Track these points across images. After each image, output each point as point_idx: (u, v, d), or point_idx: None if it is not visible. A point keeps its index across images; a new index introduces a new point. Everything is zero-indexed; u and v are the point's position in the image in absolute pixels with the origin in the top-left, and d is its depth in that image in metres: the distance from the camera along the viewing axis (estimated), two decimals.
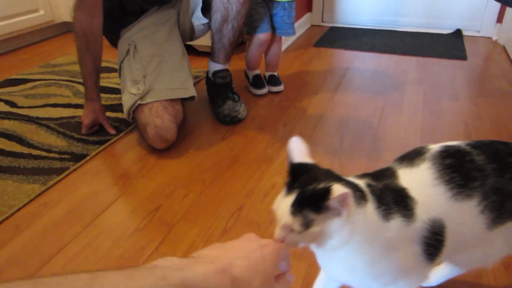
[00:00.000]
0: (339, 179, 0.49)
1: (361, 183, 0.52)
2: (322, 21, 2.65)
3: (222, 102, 1.45)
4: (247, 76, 1.68)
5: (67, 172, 1.16)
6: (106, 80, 1.80)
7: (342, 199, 0.43)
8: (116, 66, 1.38)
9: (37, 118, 1.50)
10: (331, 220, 0.45)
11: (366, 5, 2.52)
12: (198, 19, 1.34)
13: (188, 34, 1.43)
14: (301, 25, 2.47)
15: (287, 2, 1.47)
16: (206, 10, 1.33)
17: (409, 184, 0.52)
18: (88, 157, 1.24)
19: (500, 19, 2.26)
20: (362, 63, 2.00)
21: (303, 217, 0.45)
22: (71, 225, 0.97)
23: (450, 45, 2.20)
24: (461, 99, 1.57)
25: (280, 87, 1.66)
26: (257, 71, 1.65)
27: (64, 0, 2.54)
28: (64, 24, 2.67)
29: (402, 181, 0.53)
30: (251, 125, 1.43)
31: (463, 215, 0.52)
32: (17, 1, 2.33)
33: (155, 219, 0.98)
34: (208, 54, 1.47)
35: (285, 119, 1.46)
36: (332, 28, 2.55)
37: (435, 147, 0.56)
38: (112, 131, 1.37)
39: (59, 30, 2.70)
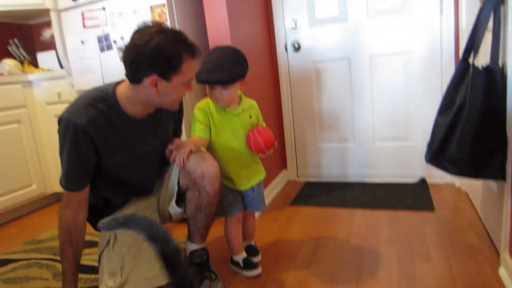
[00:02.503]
0: None
1: None
2: (297, 176, 2.85)
3: (200, 281, 1.47)
4: (235, 262, 1.64)
5: None
6: (87, 257, 1.83)
7: None
8: (96, 239, 1.44)
9: None
10: None
11: (334, 159, 2.75)
12: (174, 209, 1.46)
13: (167, 217, 1.53)
14: (279, 182, 2.65)
15: (256, 184, 1.60)
16: (182, 199, 1.46)
17: None
18: None
19: None
20: (336, 222, 2.09)
21: None
22: None
23: (417, 195, 2.35)
24: (433, 260, 1.62)
25: (258, 257, 1.70)
26: (244, 254, 1.64)
27: (55, 173, 2.74)
28: (55, 194, 2.82)
29: None
30: None
31: None
32: (13, 178, 2.50)
33: None
34: (185, 220, 1.54)
35: None
36: (307, 183, 2.74)
37: None
38: None
39: (48, 200, 2.83)
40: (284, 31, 2.64)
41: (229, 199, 1.54)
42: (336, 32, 2.53)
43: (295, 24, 2.60)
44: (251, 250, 1.71)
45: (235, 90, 1.45)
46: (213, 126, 1.49)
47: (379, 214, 2.13)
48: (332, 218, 2.14)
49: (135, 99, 1.29)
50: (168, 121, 1.48)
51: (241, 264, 1.61)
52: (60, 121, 1.25)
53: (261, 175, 1.62)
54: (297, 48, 2.63)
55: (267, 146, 1.48)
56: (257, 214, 2.11)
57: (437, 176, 2.57)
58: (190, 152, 1.35)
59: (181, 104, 1.55)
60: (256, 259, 1.69)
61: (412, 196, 2.35)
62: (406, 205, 2.22)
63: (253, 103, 1.59)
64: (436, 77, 2.40)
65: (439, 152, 1.50)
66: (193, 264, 1.51)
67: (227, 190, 1.54)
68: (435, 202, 2.23)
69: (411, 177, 2.61)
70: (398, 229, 1.94)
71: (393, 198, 2.35)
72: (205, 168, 1.33)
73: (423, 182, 2.56)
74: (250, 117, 1.54)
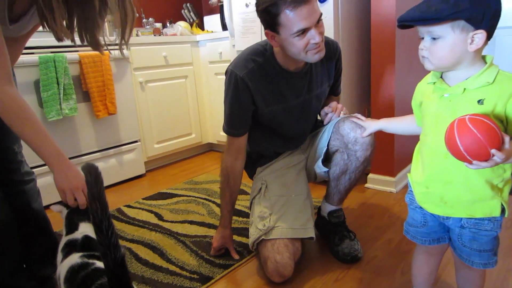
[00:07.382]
0: None
1: None
2: None
3: (340, 240, 1.50)
4: None
5: None
6: (236, 202, 2.03)
7: None
8: (246, 189, 1.58)
9: (177, 233, 1.76)
10: None
11: None
12: (319, 168, 1.49)
13: (312, 177, 1.59)
14: None
15: (472, 219, 0.91)
16: (328, 159, 1.49)
17: None
18: (213, 280, 1.39)
19: None
20: None
21: None
22: None
23: None
24: None
25: None
26: None
27: (211, 125, 3.07)
28: (208, 144, 3.18)
29: None
30: (367, 268, 1.42)
31: None
32: (177, 126, 2.90)
33: None
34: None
35: (403, 266, 1.42)
36: None
37: None
38: (236, 256, 1.51)
39: (203, 149, 3.20)
40: None
41: (415, 218, 1.02)
42: None
43: None
44: None
45: (453, 44, 0.82)
46: (420, 110, 0.99)
47: None
48: None
49: (280, 52, 1.34)
50: (323, 76, 1.47)
51: None
52: (226, 73, 1.40)
53: (489, 208, 0.88)
54: None
55: (471, 151, 0.76)
56: None
57: None
58: (349, 115, 1.33)
59: (338, 60, 1.50)
60: None
61: None
62: None
63: (505, 83, 0.82)
64: None
65: None
66: (331, 223, 1.55)
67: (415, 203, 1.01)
68: None
69: None
70: None
71: None
72: (359, 134, 1.32)
73: None
74: (480, 103, 0.82)
